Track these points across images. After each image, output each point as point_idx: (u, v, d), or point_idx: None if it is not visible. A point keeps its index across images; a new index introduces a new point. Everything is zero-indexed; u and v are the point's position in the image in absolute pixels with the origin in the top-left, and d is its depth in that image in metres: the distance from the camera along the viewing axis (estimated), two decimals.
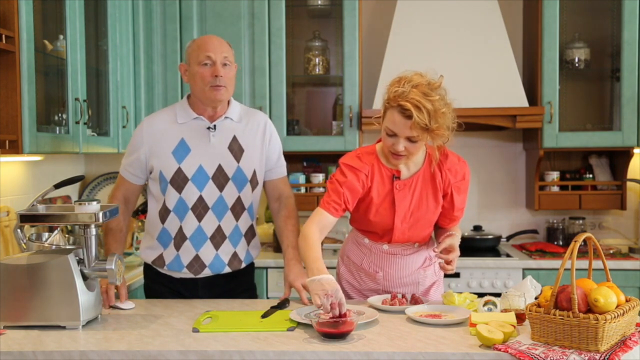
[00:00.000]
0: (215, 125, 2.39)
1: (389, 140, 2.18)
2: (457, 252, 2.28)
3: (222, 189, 2.38)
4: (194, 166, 2.36)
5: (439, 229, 2.45)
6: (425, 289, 2.43)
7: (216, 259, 2.41)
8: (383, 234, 2.36)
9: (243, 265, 2.48)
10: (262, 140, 2.46)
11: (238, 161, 2.40)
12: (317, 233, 2.24)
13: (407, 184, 2.30)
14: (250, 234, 2.49)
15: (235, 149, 2.40)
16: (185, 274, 2.42)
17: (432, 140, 2.17)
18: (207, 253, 2.40)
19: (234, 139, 2.41)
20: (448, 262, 2.25)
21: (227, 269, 2.44)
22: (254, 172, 2.43)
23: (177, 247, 2.40)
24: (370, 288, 2.43)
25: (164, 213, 2.40)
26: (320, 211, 2.28)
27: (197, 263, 2.40)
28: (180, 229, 2.39)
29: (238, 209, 2.42)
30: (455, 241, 2.29)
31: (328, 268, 3.50)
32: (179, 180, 2.36)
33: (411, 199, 2.30)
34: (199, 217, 2.37)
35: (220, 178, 2.37)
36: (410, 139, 2.14)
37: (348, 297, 2.46)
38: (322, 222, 2.27)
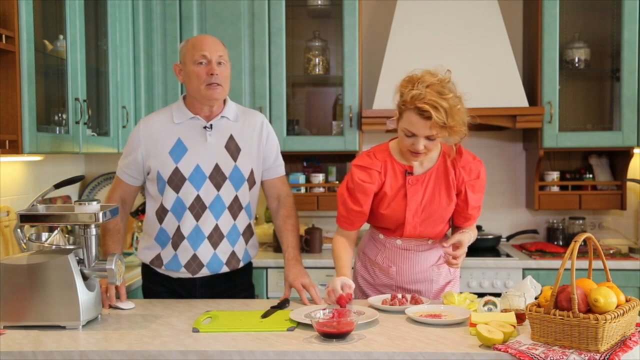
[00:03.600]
0: (211, 125, 2.40)
1: (408, 140, 2.21)
2: (465, 248, 2.30)
3: (219, 188, 2.38)
4: (191, 166, 2.36)
5: (455, 228, 2.46)
6: (440, 288, 2.45)
7: (214, 259, 2.41)
8: (395, 229, 2.39)
9: (241, 264, 2.48)
10: (259, 140, 2.46)
11: (235, 160, 2.40)
12: (345, 242, 2.42)
13: (420, 180, 2.33)
14: (248, 233, 2.49)
15: (232, 148, 2.41)
16: (183, 273, 2.42)
17: (450, 136, 2.21)
18: (205, 252, 2.40)
19: (231, 138, 2.41)
20: (454, 257, 2.27)
21: (225, 269, 2.43)
22: (251, 171, 2.43)
23: (175, 246, 2.40)
24: (383, 283, 2.45)
25: (162, 213, 2.40)
26: (338, 228, 2.44)
27: (194, 262, 2.40)
28: (178, 228, 2.39)
29: (235, 208, 2.42)
30: (465, 237, 2.32)
31: (328, 268, 3.52)
32: (176, 180, 2.36)
33: (423, 194, 2.33)
34: (197, 217, 2.37)
35: (218, 177, 2.38)
36: (428, 138, 2.19)
37: (363, 293, 2.49)
38: (344, 234, 2.43)
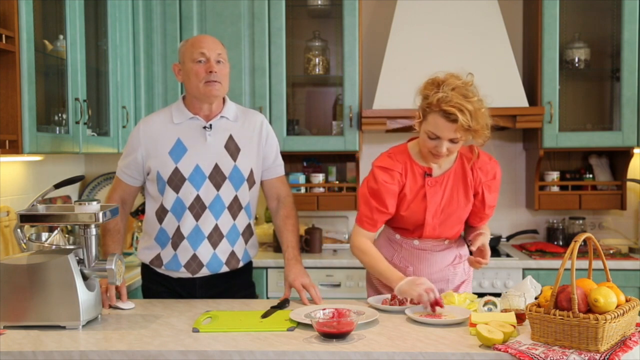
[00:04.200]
0: (211, 125, 2.40)
1: (431, 142, 2.21)
2: (489, 250, 2.33)
3: (219, 188, 2.38)
4: (190, 166, 2.36)
5: (469, 228, 2.48)
6: (455, 287, 2.47)
7: (213, 258, 2.41)
8: (414, 229, 2.39)
9: (241, 264, 2.48)
10: (259, 140, 2.47)
11: (235, 160, 2.40)
12: (372, 245, 2.38)
13: (439, 181, 2.34)
14: (248, 233, 2.49)
15: (232, 148, 2.41)
16: (183, 273, 2.42)
17: (473, 139, 2.22)
18: (205, 252, 2.40)
19: (230, 138, 2.42)
20: (479, 262, 2.29)
21: (225, 268, 2.43)
22: (251, 171, 2.43)
23: (175, 246, 2.40)
24: None
25: (161, 213, 2.40)
26: (357, 228, 2.39)
27: (194, 262, 2.40)
28: (178, 228, 2.39)
29: (235, 208, 2.42)
30: (487, 240, 2.34)
31: (328, 268, 3.52)
32: (176, 180, 2.36)
33: (442, 196, 2.34)
34: (196, 217, 2.38)
35: (217, 177, 2.38)
36: (452, 140, 2.19)
37: (377, 292, 2.49)
38: (367, 235, 2.38)
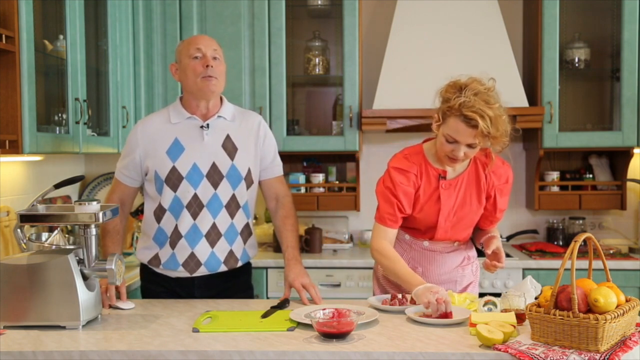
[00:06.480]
0: (208, 124, 2.40)
1: (449, 146, 2.20)
2: (504, 254, 2.33)
3: (216, 186, 2.38)
4: (188, 164, 2.37)
5: (479, 231, 2.47)
6: (463, 288, 2.47)
7: (211, 257, 2.41)
8: (426, 231, 2.39)
9: (239, 264, 2.48)
10: (256, 140, 2.47)
11: (232, 159, 2.40)
12: (391, 247, 2.33)
13: (453, 184, 2.33)
14: (246, 232, 2.49)
15: (229, 147, 2.41)
16: (181, 272, 2.42)
17: (492, 145, 2.21)
18: (203, 250, 2.40)
19: (228, 137, 2.42)
20: (495, 266, 2.29)
21: (223, 267, 2.44)
22: (249, 170, 2.44)
23: (173, 245, 2.40)
24: None
25: (159, 212, 2.41)
26: (379, 226, 2.34)
27: (192, 261, 2.40)
28: (176, 227, 2.39)
29: (233, 206, 2.42)
30: (500, 243, 2.34)
31: (328, 268, 3.52)
32: (173, 179, 2.36)
33: (455, 199, 2.33)
34: (194, 215, 2.38)
35: (215, 176, 2.38)
36: (470, 145, 2.18)
37: (384, 291, 2.49)
38: (388, 237, 2.34)
